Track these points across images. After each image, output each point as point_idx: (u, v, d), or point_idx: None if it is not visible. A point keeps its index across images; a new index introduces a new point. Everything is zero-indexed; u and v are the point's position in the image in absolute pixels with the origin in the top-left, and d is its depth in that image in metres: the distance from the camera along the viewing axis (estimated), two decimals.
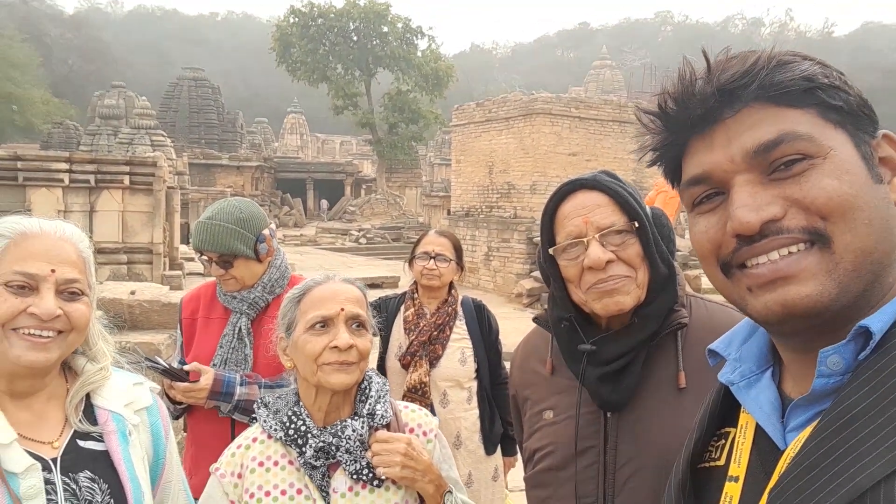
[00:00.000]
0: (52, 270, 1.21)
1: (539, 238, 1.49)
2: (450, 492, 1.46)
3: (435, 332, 2.90)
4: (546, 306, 1.56)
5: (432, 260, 2.90)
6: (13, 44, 39.37)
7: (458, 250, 3.00)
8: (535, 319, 1.58)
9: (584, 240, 1.34)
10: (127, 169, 10.94)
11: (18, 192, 10.52)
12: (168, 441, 1.45)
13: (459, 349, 2.92)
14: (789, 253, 0.69)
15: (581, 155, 15.98)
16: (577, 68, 75.50)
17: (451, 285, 3.01)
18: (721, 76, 0.72)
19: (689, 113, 0.75)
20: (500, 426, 2.99)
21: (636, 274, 1.35)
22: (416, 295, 3.01)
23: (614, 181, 1.40)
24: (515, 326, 7.88)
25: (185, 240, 17.48)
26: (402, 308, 3.03)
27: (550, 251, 1.40)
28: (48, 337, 1.19)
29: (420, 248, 2.97)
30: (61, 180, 10.61)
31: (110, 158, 11.57)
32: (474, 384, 2.95)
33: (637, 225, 1.35)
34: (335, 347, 1.38)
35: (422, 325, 2.90)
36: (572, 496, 1.36)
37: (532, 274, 14.07)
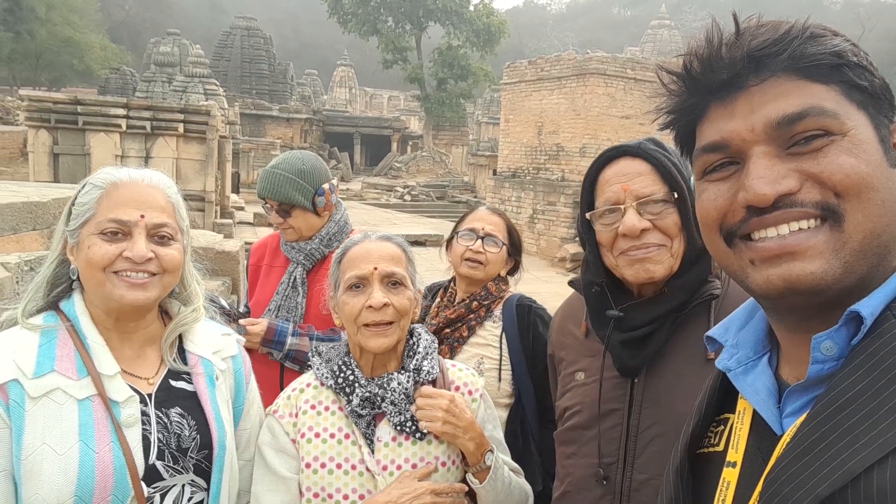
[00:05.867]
0: (142, 216, 1.30)
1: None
2: (491, 451, 1.49)
3: (447, 329, 2.16)
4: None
5: (479, 241, 2.17)
6: None
7: (512, 237, 2.27)
8: (571, 283, 1.60)
9: (622, 207, 1.35)
10: (181, 117, 11.14)
11: (78, 136, 10.82)
12: (248, 390, 1.53)
13: (476, 357, 2.13)
14: (799, 229, 0.68)
15: (634, 118, 15.56)
16: (634, 27, 73.01)
17: (497, 279, 2.23)
18: (752, 42, 0.71)
19: (714, 77, 0.74)
20: (540, 481, 1.97)
21: (671, 244, 1.36)
22: (451, 286, 2.31)
23: (659, 150, 1.40)
24: (557, 291, 7.86)
25: (236, 189, 17.80)
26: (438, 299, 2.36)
27: (587, 215, 1.42)
28: (144, 278, 1.29)
29: (465, 224, 2.24)
30: (119, 126, 10.87)
31: (165, 106, 11.78)
32: (503, 413, 2.07)
33: (677, 196, 1.35)
34: (370, 307, 1.42)
35: (437, 318, 2.20)
36: (595, 454, 1.40)
37: (577, 238, 13.94)
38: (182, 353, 1.41)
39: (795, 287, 0.68)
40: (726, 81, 0.73)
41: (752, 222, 0.71)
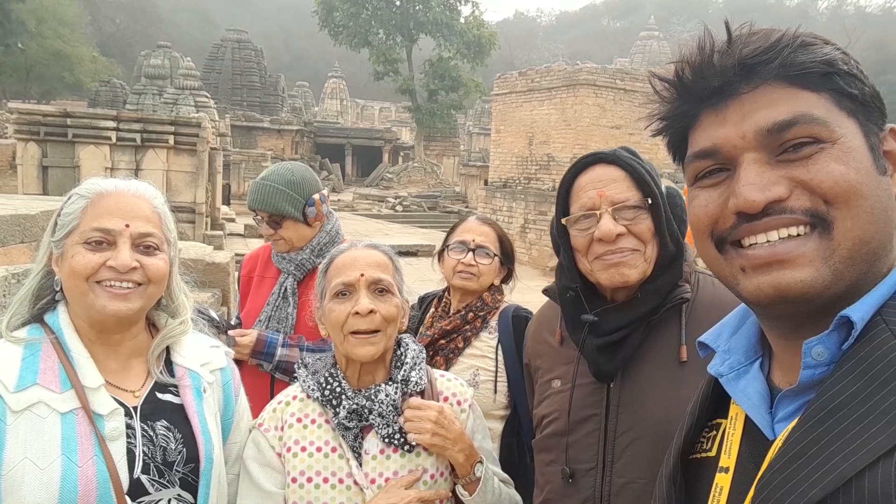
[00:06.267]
0: (127, 225, 1.28)
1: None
2: (480, 462, 1.48)
3: (443, 341, 2.15)
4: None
5: (470, 253, 2.17)
6: (63, 0, 39.94)
7: (504, 245, 2.26)
8: (545, 291, 1.62)
9: (597, 212, 1.38)
10: (172, 129, 11.10)
11: (68, 149, 10.77)
12: (238, 403, 1.51)
13: (472, 369, 2.11)
14: (789, 236, 0.69)
15: (624, 128, 15.65)
16: (624, 39, 73.63)
17: (492, 289, 2.23)
18: (743, 50, 0.71)
19: (705, 84, 0.74)
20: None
21: (645, 249, 1.39)
22: (445, 296, 2.31)
23: (633, 157, 1.44)
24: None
25: (227, 201, 17.76)
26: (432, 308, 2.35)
27: (563, 221, 1.44)
28: (128, 288, 1.27)
29: (455, 237, 2.24)
30: (109, 138, 10.82)
31: (156, 118, 11.74)
32: (499, 426, 2.07)
33: (650, 202, 1.39)
34: (357, 313, 1.41)
35: (433, 329, 2.20)
36: (574, 461, 1.42)
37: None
38: (169, 365, 1.40)
39: (785, 295, 0.68)
40: (718, 89, 0.73)
41: (742, 229, 0.71)
